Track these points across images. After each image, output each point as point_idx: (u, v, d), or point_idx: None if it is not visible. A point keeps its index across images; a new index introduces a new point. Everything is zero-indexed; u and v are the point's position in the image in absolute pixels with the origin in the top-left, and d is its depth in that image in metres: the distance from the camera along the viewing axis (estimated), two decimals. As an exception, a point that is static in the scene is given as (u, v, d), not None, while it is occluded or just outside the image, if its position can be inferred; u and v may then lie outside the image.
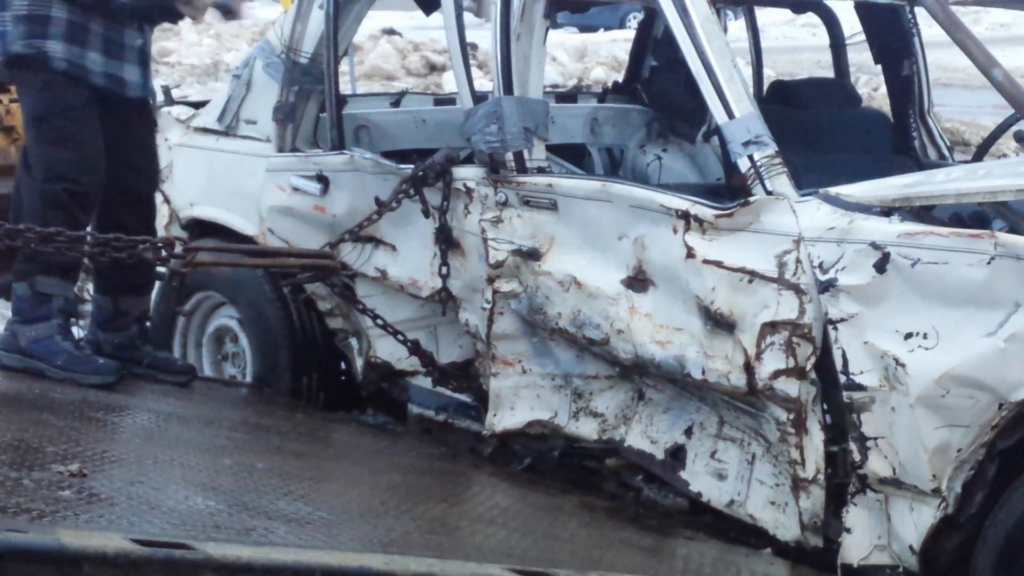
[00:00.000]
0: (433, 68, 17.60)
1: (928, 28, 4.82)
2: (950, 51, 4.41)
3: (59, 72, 4.59)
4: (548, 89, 5.95)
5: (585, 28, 26.57)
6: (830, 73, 5.86)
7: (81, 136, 4.60)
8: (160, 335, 5.30)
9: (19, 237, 4.35)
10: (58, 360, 4.56)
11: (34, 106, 4.65)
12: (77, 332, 4.93)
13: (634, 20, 23.84)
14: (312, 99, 5.11)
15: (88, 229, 4.63)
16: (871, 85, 13.70)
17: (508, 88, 4.38)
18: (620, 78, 6.36)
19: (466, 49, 4.63)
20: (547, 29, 4.51)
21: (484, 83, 6.74)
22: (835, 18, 5.64)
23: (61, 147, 4.57)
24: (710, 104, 3.93)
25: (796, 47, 18.34)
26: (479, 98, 4.50)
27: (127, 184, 4.75)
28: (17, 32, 4.59)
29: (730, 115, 3.87)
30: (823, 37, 5.78)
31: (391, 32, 18.29)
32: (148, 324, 4.99)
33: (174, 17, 4.81)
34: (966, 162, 5.03)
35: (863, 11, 5.41)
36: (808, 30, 23.05)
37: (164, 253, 4.55)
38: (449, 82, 14.73)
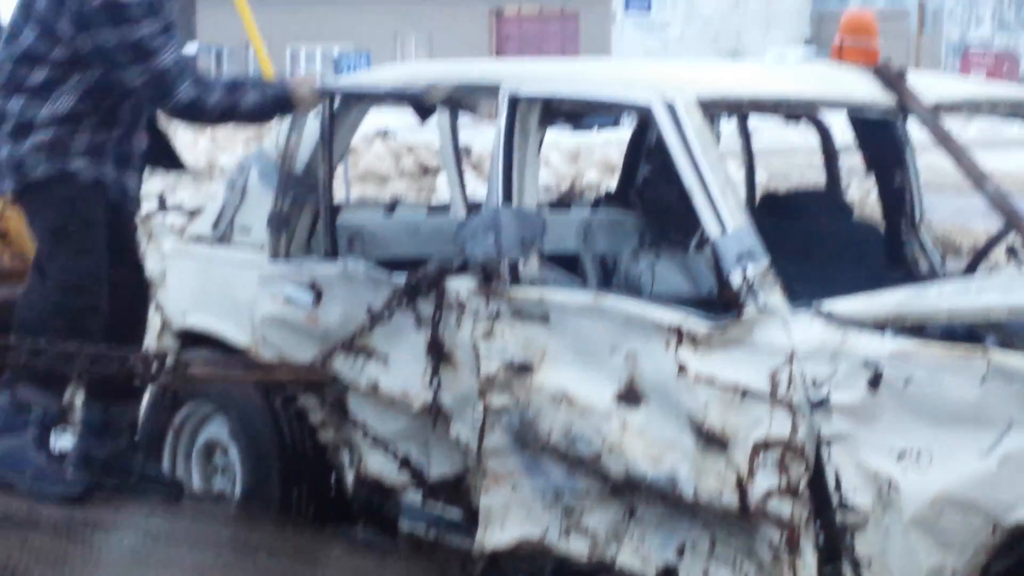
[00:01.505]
0: (427, 170, 17.65)
1: (918, 131, 4.80)
2: (941, 152, 4.39)
3: (83, 186, 4.59)
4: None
5: (579, 126, 26.66)
6: (822, 175, 5.85)
7: (97, 248, 4.60)
8: (149, 447, 5.25)
9: (9, 353, 4.31)
10: (27, 474, 4.50)
11: (55, 220, 4.61)
12: (66, 440, 4.88)
13: (629, 118, 23.90)
14: (307, 208, 5.09)
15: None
16: (863, 189, 13.72)
17: (507, 197, 4.37)
18: (614, 181, 6.36)
19: (460, 161, 4.65)
20: (541, 139, 4.53)
21: (477, 185, 6.73)
22: (827, 128, 5.66)
23: (80, 258, 4.55)
24: (703, 217, 3.94)
25: (789, 149, 18.41)
26: (472, 207, 4.50)
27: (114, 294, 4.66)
28: (38, 159, 4.56)
29: (723, 230, 3.86)
30: (816, 138, 5.78)
31: (385, 135, 18.36)
32: (136, 436, 4.94)
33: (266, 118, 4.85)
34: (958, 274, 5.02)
35: (856, 122, 5.42)
36: (801, 131, 23.15)
37: (155, 367, 4.50)
38: (443, 185, 14.76)
